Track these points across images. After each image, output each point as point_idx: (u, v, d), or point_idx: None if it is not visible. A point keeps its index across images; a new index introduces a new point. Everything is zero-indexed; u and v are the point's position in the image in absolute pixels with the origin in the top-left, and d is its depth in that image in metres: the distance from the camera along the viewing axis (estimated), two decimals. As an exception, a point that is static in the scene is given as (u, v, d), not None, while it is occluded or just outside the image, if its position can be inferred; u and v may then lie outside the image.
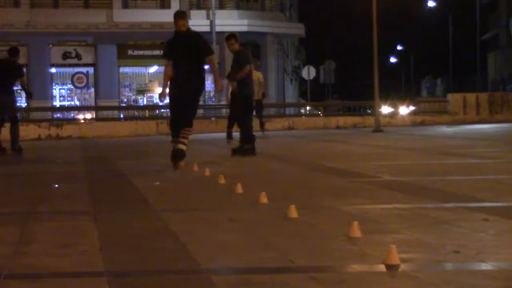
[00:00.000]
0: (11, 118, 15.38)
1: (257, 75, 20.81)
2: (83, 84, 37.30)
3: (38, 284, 3.96)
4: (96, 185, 9.07)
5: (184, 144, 10.58)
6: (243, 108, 13.41)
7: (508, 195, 7.10)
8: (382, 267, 4.10)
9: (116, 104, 35.93)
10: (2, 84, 14.90)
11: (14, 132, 15.21)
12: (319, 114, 34.18)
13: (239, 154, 12.99)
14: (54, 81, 37.41)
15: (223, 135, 19.84)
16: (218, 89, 12.30)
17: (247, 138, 13.15)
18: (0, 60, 16.54)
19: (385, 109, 31.04)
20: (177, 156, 10.55)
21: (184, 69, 10.72)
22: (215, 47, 34.37)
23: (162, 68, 43.08)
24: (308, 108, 41.98)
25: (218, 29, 34.18)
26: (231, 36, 13.61)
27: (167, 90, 11.21)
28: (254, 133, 13.50)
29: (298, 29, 43.69)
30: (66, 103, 37.16)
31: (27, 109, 32.24)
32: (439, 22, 69.41)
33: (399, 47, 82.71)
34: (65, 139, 23.47)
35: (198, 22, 36.91)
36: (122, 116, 30.68)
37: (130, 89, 38.61)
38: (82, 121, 28.83)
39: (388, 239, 4.86)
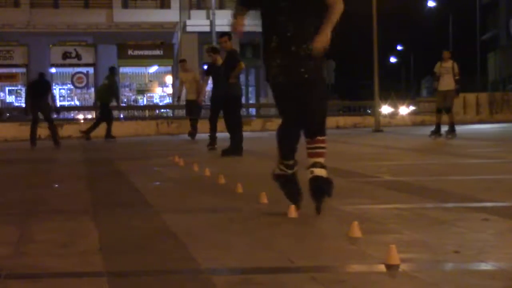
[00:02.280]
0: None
1: (192, 74, 20.42)
2: (83, 84, 37.31)
3: (38, 284, 3.95)
4: (96, 185, 9.07)
5: (323, 166, 6.11)
6: (232, 108, 13.44)
7: (508, 195, 7.10)
8: (382, 267, 4.10)
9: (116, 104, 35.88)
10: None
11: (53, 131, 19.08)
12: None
13: (229, 154, 13.03)
14: (54, 81, 37.36)
15: (223, 135, 19.79)
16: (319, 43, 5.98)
17: (237, 139, 13.19)
18: None
19: (385, 109, 31.04)
20: (325, 189, 6.03)
21: (291, 38, 5.98)
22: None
23: (162, 68, 42.92)
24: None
25: (218, 29, 34.09)
26: (225, 34, 13.66)
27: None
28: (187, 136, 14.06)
29: (298, 29, 43.65)
30: (66, 103, 37.15)
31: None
32: (439, 22, 69.43)
33: (399, 47, 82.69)
34: (65, 139, 23.47)
35: (198, 22, 36.95)
36: (122, 116, 30.67)
37: (130, 89, 38.61)
38: (82, 121, 28.82)
39: (388, 239, 4.86)
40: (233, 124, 13.42)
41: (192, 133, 20.11)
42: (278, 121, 7.71)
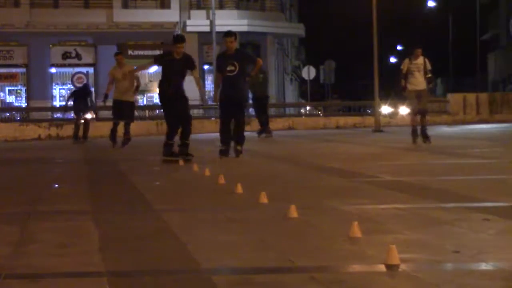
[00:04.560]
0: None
1: (129, 71, 16.54)
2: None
3: (38, 284, 3.95)
4: (96, 185, 9.07)
5: None
6: (242, 109, 13.12)
7: (508, 195, 7.10)
8: (382, 267, 4.10)
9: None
10: None
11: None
12: (319, 114, 34.16)
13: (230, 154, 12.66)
14: (54, 81, 37.40)
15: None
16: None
17: (242, 140, 12.89)
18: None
19: (385, 109, 31.04)
20: None
21: None
22: (215, 47, 34.38)
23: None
24: (308, 108, 41.99)
25: (218, 29, 34.15)
26: (231, 33, 13.00)
27: None
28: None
29: (298, 29, 43.69)
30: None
31: (27, 109, 32.28)
32: (439, 22, 69.41)
33: (399, 47, 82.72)
34: (65, 139, 23.46)
35: (198, 22, 36.94)
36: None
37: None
38: (82, 121, 28.79)
39: (388, 239, 4.86)
40: (242, 123, 13.07)
41: (128, 139, 17.00)
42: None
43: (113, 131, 17.26)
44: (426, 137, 15.25)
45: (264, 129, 20.69)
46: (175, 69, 11.93)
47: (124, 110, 16.90)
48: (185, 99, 12.13)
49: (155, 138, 23.33)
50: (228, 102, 12.75)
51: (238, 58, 12.74)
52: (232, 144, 12.96)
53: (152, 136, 24.57)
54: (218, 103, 13.29)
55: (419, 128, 15.34)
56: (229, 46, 12.79)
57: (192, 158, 11.86)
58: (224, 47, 13.18)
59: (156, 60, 12.60)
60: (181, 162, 11.62)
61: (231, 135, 13.00)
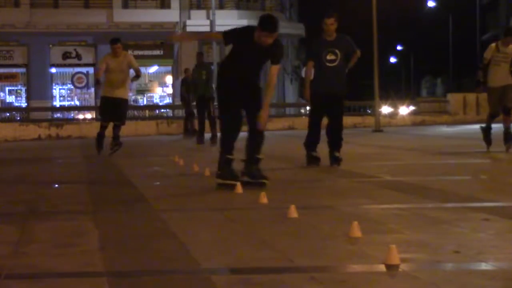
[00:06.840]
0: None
1: (127, 60, 14.69)
2: (83, 84, 37.29)
3: (38, 284, 3.95)
4: (96, 185, 9.07)
5: None
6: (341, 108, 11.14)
7: (508, 195, 7.10)
8: (382, 267, 4.10)
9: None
10: None
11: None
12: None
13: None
14: (54, 81, 37.41)
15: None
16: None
17: (341, 144, 11.40)
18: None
19: (385, 109, 31.05)
20: None
21: None
22: (215, 47, 34.37)
23: (162, 68, 42.99)
24: (308, 108, 41.97)
25: (218, 29, 34.13)
26: (334, 14, 10.58)
27: None
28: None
29: (298, 29, 43.69)
30: (66, 103, 37.16)
31: (27, 109, 32.30)
32: (439, 22, 69.42)
33: (399, 47, 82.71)
34: (65, 139, 23.47)
35: (198, 22, 36.93)
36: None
37: (130, 89, 38.58)
38: (82, 121, 28.82)
39: (388, 239, 4.86)
40: (342, 125, 11.31)
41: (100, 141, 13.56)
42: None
43: (100, 135, 13.88)
44: (509, 140, 12.97)
45: (202, 132, 17.91)
46: (250, 56, 8.29)
47: (115, 110, 13.72)
48: (260, 98, 8.75)
49: (154, 137, 23.38)
50: (325, 99, 10.76)
51: (340, 46, 10.47)
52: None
53: (151, 136, 24.57)
54: (310, 99, 10.96)
55: (493, 129, 13.28)
56: (330, 29, 10.40)
57: (267, 182, 8.21)
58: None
59: (228, 36, 8.28)
60: (181, 162, 11.53)
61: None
